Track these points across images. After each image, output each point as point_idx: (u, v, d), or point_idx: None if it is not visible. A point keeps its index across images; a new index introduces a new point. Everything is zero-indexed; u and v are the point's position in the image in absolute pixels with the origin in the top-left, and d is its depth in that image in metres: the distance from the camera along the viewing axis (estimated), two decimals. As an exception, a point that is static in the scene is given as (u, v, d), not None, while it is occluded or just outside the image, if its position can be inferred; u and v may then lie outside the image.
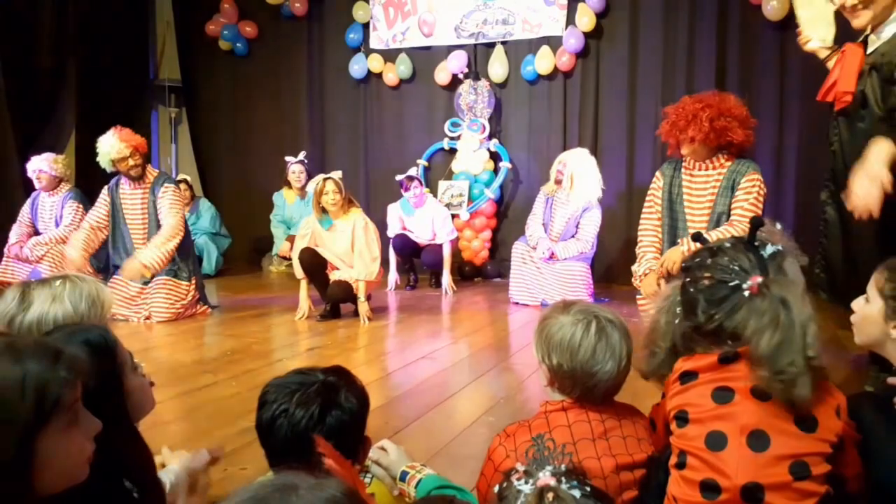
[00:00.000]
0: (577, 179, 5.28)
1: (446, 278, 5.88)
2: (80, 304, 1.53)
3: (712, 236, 3.28)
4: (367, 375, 3.25)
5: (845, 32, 2.85)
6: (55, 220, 5.59)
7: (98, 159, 4.70)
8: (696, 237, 1.54)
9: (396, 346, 4.18)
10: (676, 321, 1.44)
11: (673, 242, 3.76)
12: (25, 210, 5.67)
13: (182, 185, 6.04)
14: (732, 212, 3.54)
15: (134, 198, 4.84)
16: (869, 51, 2.59)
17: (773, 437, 1.24)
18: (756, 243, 1.38)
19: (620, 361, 1.48)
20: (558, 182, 5.36)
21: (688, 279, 1.42)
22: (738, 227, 3.44)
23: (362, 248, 4.65)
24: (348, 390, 1.36)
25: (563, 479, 0.96)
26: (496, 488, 1.01)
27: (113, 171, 4.83)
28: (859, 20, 2.54)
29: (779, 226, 1.49)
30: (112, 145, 4.63)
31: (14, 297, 1.54)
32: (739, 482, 1.22)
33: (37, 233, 5.63)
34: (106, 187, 4.91)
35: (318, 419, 1.30)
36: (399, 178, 6.19)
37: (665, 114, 3.73)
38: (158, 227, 4.80)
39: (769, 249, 1.37)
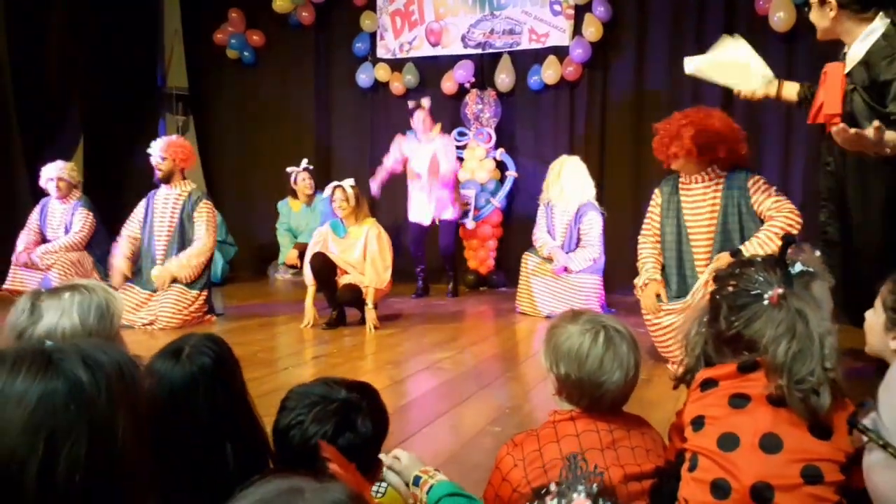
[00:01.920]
0: (566, 181, 5.34)
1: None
2: (88, 317, 1.53)
3: (749, 251, 3.28)
4: (373, 384, 3.24)
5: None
6: (64, 227, 5.59)
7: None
8: (734, 253, 1.61)
9: (402, 354, 4.17)
10: (703, 330, 1.48)
11: (673, 258, 3.74)
12: (34, 217, 5.68)
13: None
14: (766, 214, 3.50)
15: (167, 200, 5.00)
16: (847, 69, 2.62)
17: (786, 441, 1.24)
18: (787, 261, 1.42)
19: (628, 372, 1.48)
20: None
21: (716, 287, 1.47)
22: (780, 220, 3.41)
23: (375, 256, 4.67)
24: (368, 413, 1.35)
25: (600, 500, 0.95)
26: None
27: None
28: (819, 24, 2.65)
29: (818, 252, 1.55)
30: (155, 143, 5.03)
31: (25, 309, 1.53)
32: (749, 482, 1.22)
33: (44, 240, 5.64)
34: (144, 200, 5.13)
35: (329, 438, 1.29)
36: (411, 105, 6.14)
37: (655, 130, 3.73)
38: (181, 234, 4.94)
39: (798, 268, 1.41)
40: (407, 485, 1.55)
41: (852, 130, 2.32)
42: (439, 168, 5.90)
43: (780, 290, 1.34)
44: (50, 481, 0.83)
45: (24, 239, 5.60)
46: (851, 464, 1.25)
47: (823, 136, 2.76)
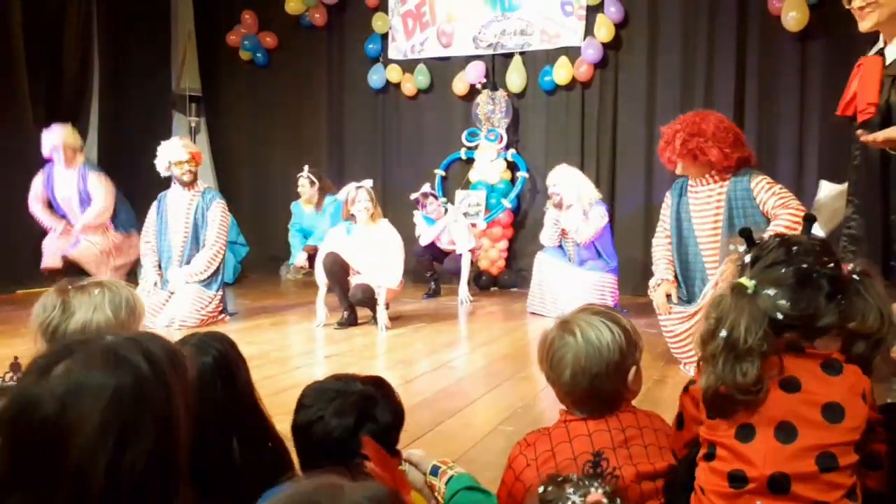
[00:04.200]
0: (567, 199, 5.26)
1: (463, 288, 5.88)
2: (120, 311, 1.57)
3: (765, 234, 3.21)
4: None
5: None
6: (77, 194, 5.46)
7: (156, 161, 4.99)
8: (744, 232, 1.44)
9: (414, 354, 4.18)
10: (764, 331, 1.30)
11: (683, 261, 3.73)
12: (38, 185, 5.53)
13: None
14: (772, 212, 3.47)
15: (181, 201, 5.02)
16: (888, 62, 2.55)
17: (801, 429, 1.24)
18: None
19: (576, 376, 1.48)
20: (559, 205, 5.33)
21: (804, 265, 1.32)
22: (784, 218, 3.36)
23: (386, 256, 4.69)
24: (385, 404, 1.37)
25: (617, 500, 0.97)
26: (540, 489, 1.02)
27: (163, 179, 5.14)
28: (864, 23, 2.51)
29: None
30: (175, 147, 4.97)
31: (56, 306, 1.57)
32: (766, 472, 1.23)
33: (51, 207, 5.54)
34: (154, 203, 5.13)
35: (352, 430, 1.31)
36: (413, 196, 6.20)
37: (661, 133, 3.73)
38: (197, 232, 4.98)
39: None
40: (424, 474, 1.57)
41: (880, 137, 2.28)
42: (457, 245, 6.01)
43: (850, 266, 1.33)
44: (116, 474, 0.84)
45: (44, 214, 5.47)
46: (865, 434, 1.26)
47: (853, 129, 2.69)
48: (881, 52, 2.56)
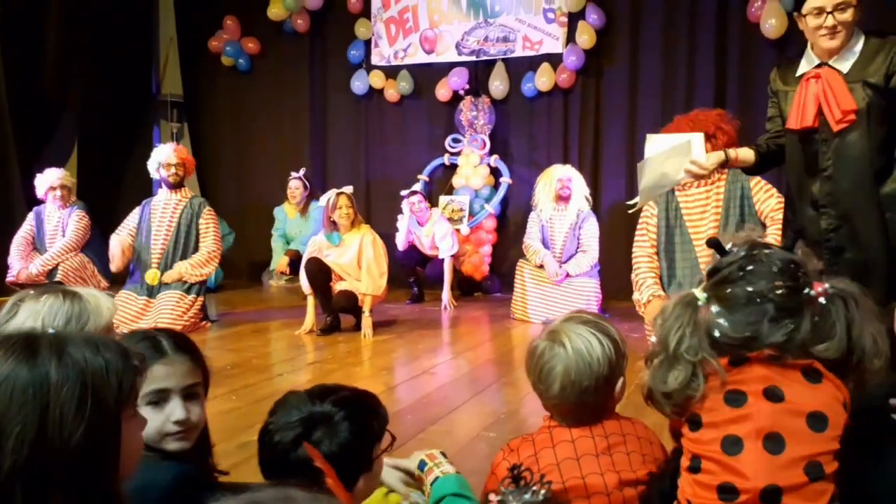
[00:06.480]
0: (573, 201, 5.39)
1: (446, 293, 5.89)
2: (51, 323, 1.49)
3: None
4: (368, 390, 3.24)
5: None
6: (61, 232, 5.53)
7: (148, 162, 5.09)
8: (713, 244, 1.42)
9: (397, 360, 4.17)
10: (697, 341, 1.31)
11: (671, 269, 3.72)
12: (27, 228, 5.59)
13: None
14: (770, 215, 3.47)
15: (168, 204, 5.04)
16: (844, 72, 2.55)
17: (788, 440, 1.24)
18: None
19: (565, 388, 1.47)
20: (565, 199, 5.37)
21: (750, 288, 1.31)
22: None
23: (370, 263, 4.68)
24: (335, 430, 1.30)
25: None
26: None
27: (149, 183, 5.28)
28: (832, 42, 2.50)
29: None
30: (166, 151, 5.07)
31: (8, 307, 1.54)
32: (759, 485, 1.22)
33: (35, 249, 5.59)
34: (138, 208, 5.15)
35: (289, 448, 1.28)
36: (404, 193, 6.22)
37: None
38: (178, 239, 4.99)
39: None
40: (412, 474, 1.55)
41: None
42: (440, 250, 6.03)
43: (826, 285, 1.31)
44: None
45: (18, 253, 5.51)
46: (842, 443, 1.26)
47: (817, 140, 2.68)
48: (825, 65, 2.57)
